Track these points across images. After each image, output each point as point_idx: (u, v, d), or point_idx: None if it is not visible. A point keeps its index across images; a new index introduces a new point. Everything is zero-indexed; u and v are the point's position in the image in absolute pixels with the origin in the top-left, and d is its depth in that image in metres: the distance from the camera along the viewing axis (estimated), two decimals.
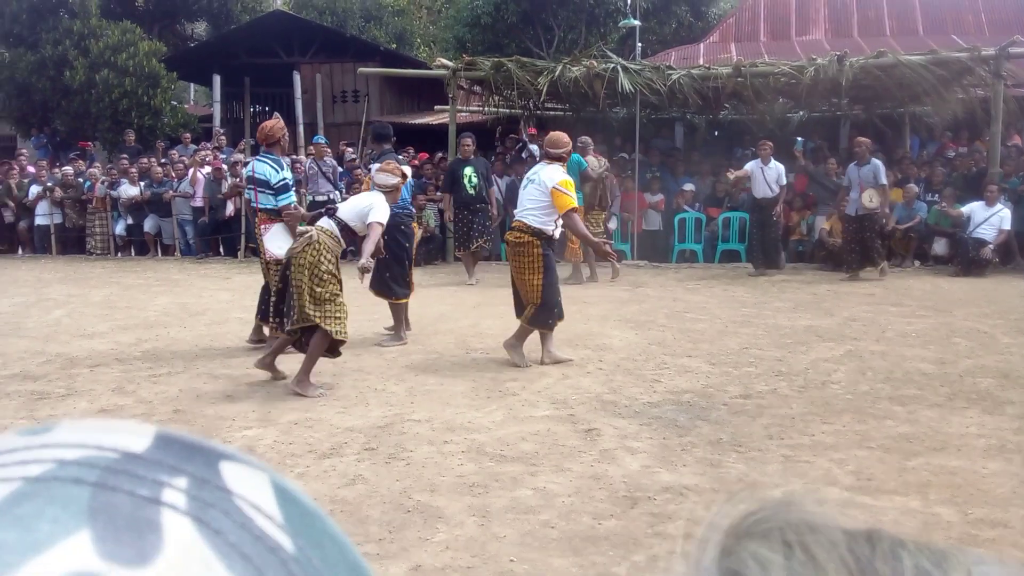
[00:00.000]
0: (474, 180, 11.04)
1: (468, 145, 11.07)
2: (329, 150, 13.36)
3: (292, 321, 5.67)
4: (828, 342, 7.07)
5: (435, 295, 9.96)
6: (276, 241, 6.73)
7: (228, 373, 6.24)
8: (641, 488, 3.86)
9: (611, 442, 4.55)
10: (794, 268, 12.30)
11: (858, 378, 5.85)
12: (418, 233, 12.92)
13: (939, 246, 12.10)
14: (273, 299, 6.23)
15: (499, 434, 4.68)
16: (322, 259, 5.63)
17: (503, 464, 4.21)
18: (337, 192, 12.51)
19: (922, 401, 5.26)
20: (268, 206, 6.76)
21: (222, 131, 17.62)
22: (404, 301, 7.36)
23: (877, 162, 10.78)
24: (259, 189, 6.76)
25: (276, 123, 7.04)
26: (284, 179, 6.73)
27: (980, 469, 4.06)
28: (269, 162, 6.74)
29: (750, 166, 11.59)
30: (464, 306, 9.21)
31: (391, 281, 7.27)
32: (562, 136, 6.59)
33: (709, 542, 0.40)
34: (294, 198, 6.93)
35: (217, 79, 19.12)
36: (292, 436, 4.73)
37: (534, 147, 13.66)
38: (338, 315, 5.63)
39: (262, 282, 7.04)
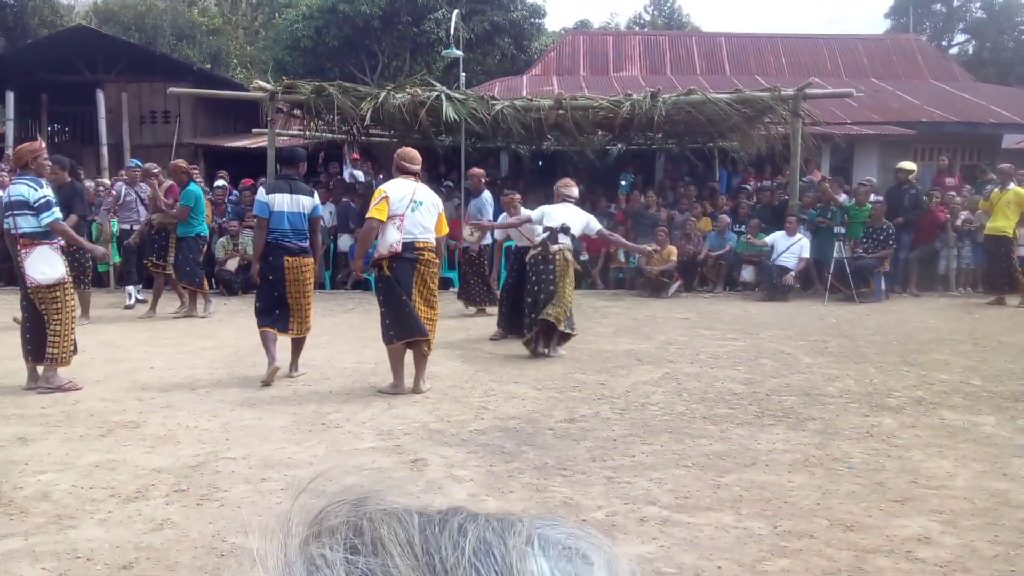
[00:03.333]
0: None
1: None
2: (144, 175, 12.39)
3: (541, 319, 7.51)
4: (647, 365, 7.31)
5: (253, 325, 9.54)
6: (38, 266, 6.34)
7: (20, 413, 5.68)
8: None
9: (438, 472, 4.47)
10: (614, 294, 12.72)
11: (675, 399, 6.07)
12: (235, 261, 12.46)
13: (747, 273, 12.88)
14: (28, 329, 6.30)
15: (321, 469, 4.49)
16: (569, 271, 7.73)
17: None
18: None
19: (733, 420, 5.50)
20: (30, 229, 6.32)
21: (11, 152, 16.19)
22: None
23: (486, 196, 10.80)
24: (18, 212, 6.31)
25: (27, 145, 6.69)
26: (44, 196, 6.35)
27: (787, 483, 4.27)
28: (25, 182, 6.34)
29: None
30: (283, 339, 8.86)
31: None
32: (415, 152, 6.49)
33: (286, 541, 0.44)
34: (59, 214, 6.50)
35: (10, 96, 17.72)
36: (93, 479, 4.34)
37: (357, 172, 13.48)
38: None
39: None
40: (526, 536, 0.43)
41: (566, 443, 4.97)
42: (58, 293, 6.40)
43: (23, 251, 6.32)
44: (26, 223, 6.32)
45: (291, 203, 6.70)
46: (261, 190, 6.96)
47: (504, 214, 9.44)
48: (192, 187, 10.31)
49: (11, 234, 6.44)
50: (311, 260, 6.88)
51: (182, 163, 10.77)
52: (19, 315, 6.77)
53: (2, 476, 4.38)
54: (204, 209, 10.60)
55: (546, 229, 7.78)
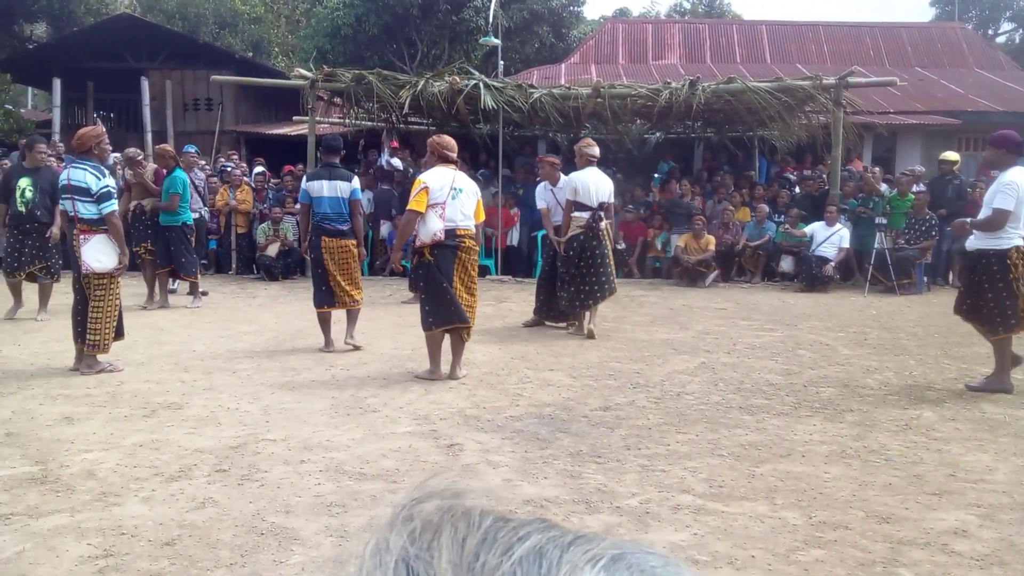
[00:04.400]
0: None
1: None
2: (201, 161, 12.45)
3: (604, 294, 8.08)
4: (683, 355, 7.30)
5: (293, 310, 9.69)
6: (94, 253, 6.40)
7: (67, 393, 5.83)
8: (502, 502, 3.83)
9: (473, 456, 4.51)
10: (651, 283, 12.68)
11: (711, 389, 6.05)
12: (276, 246, 12.62)
13: (786, 263, 12.75)
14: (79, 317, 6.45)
15: (359, 452, 4.56)
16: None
17: (362, 482, 4.09)
18: (206, 209, 11.60)
19: (770, 410, 5.48)
20: (88, 215, 6.39)
21: (59, 138, 16.47)
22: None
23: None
24: (77, 198, 6.37)
25: (91, 129, 6.73)
26: (106, 186, 6.41)
27: (822, 474, 4.26)
28: (88, 168, 6.37)
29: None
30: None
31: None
32: (452, 139, 6.54)
33: (394, 520, 0.45)
34: (117, 206, 6.59)
35: (57, 83, 18.07)
36: (137, 459, 4.45)
37: (396, 160, 13.57)
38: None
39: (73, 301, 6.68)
40: (592, 555, 0.41)
41: (601, 431, 4.99)
42: (106, 281, 6.49)
43: (81, 236, 6.40)
44: (86, 210, 6.38)
45: (330, 189, 7.25)
46: (304, 178, 7.63)
47: (542, 189, 9.25)
48: (179, 173, 9.96)
49: (69, 216, 6.55)
50: (350, 241, 7.37)
51: (168, 148, 10.42)
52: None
53: (49, 454, 4.50)
54: (189, 196, 10.22)
55: (580, 207, 8.03)
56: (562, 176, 8.84)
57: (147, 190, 10.19)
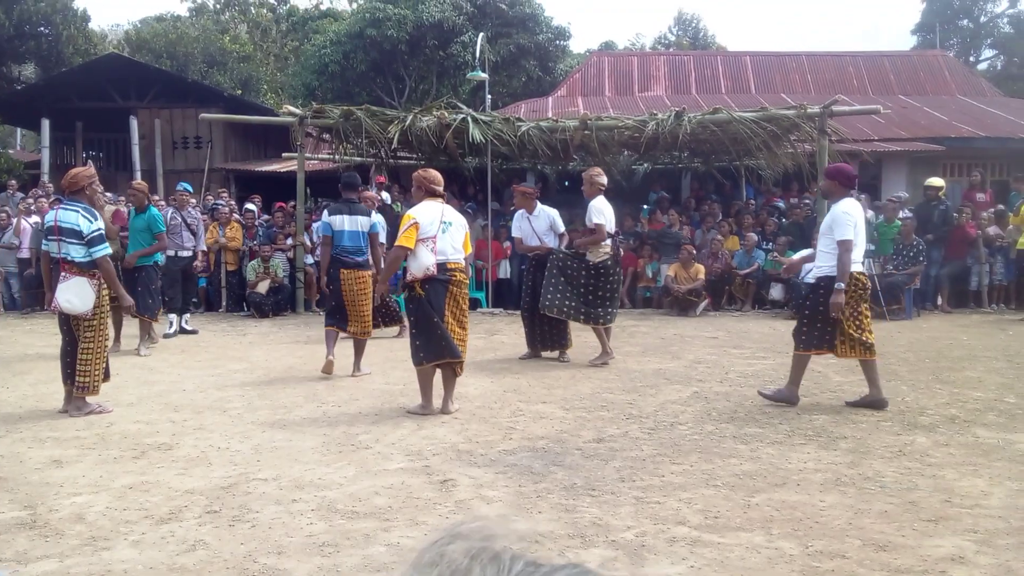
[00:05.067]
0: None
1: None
2: (193, 199, 12.26)
3: (612, 319, 8.40)
4: (675, 384, 7.29)
5: (283, 348, 9.66)
6: (67, 294, 6.27)
7: (56, 436, 5.77)
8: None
9: (467, 492, 4.48)
10: (642, 313, 12.68)
11: (704, 419, 6.04)
12: (266, 283, 12.59)
13: (775, 291, 12.80)
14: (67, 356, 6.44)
15: (351, 490, 4.52)
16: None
17: (355, 521, 4.05)
18: (200, 248, 11.25)
19: (763, 439, 5.47)
20: (76, 258, 6.29)
21: (48, 179, 16.46)
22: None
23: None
24: (65, 239, 6.28)
25: (83, 169, 6.65)
26: (98, 229, 6.34)
27: (818, 502, 4.24)
28: (79, 210, 6.30)
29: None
30: (314, 358, 8.96)
31: None
32: (438, 173, 6.55)
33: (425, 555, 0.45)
34: (109, 250, 6.48)
35: (46, 123, 18.13)
36: (127, 501, 4.40)
37: (384, 194, 13.62)
38: None
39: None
40: None
41: (595, 463, 4.97)
42: (95, 323, 6.40)
43: (64, 274, 6.31)
44: (75, 252, 6.30)
45: (351, 223, 7.83)
46: (325, 212, 8.30)
47: (518, 217, 9.09)
48: (154, 211, 9.50)
49: (52, 257, 6.47)
50: (367, 272, 7.90)
51: (142, 184, 9.74)
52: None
53: (37, 498, 4.45)
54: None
55: (598, 232, 8.21)
56: (539, 204, 8.92)
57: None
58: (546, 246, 8.69)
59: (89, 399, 6.47)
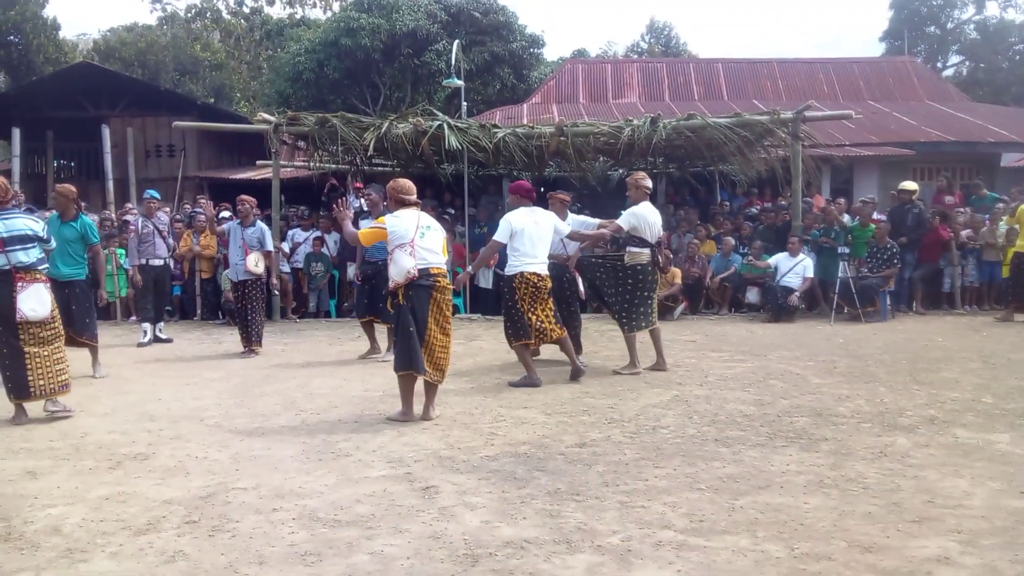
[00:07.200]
0: None
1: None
2: (161, 206, 12.06)
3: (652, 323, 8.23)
4: (656, 388, 7.29)
5: (261, 356, 9.56)
6: (30, 302, 6.30)
7: (29, 447, 5.66)
8: (482, 544, 3.76)
9: (450, 499, 4.44)
10: None
11: (685, 422, 6.03)
12: None
13: (752, 295, 12.86)
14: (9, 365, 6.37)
15: (332, 498, 4.46)
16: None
17: (337, 529, 4.00)
18: (170, 256, 11.26)
19: (745, 442, 5.47)
20: (29, 262, 6.33)
21: (19, 187, 16.25)
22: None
23: (263, 226, 10.17)
24: (17, 247, 6.27)
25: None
26: (45, 226, 6.57)
27: (802, 504, 4.24)
28: (21, 216, 6.40)
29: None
30: (292, 365, 8.88)
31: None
32: (409, 182, 6.57)
33: None
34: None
35: (16, 133, 17.89)
36: (103, 512, 4.31)
37: (361, 201, 13.55)
38: None
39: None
40: None
41: (578, 468, 4.94)
42: (55, 323, 6.50)
43: (18, 284, 6.28)
44: (30, 256, 6.33)
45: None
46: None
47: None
48: (86, 220, 8.31)
49: (3, 271, 6.30)
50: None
51: (69, 189, 8.30)
52: None
53: (12, 511, 4.35)
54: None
55: (634, 240, 8.09)
56: (569, 213, 8.81)
57: None
58: (576, 254, 8.58)
59: (60, 399, 6.54)
